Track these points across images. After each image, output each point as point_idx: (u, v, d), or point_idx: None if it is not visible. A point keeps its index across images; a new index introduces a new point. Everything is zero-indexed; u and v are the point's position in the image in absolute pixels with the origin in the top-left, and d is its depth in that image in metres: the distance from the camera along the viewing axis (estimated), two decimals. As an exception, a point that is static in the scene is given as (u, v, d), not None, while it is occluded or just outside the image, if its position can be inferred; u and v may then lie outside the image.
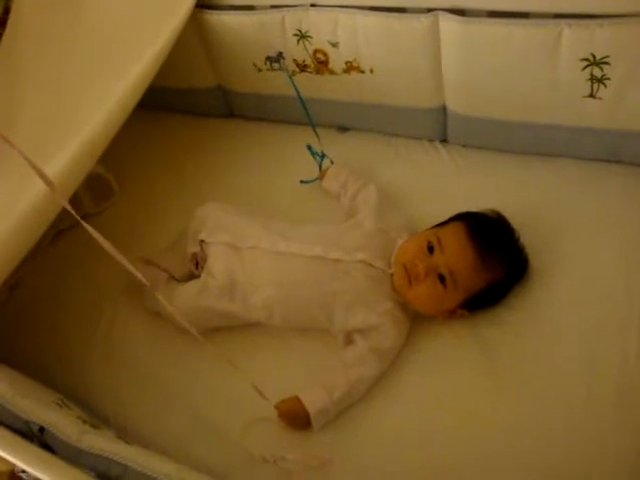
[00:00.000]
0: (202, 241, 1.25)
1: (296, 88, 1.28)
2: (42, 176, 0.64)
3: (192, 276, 1.27)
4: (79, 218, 0.70)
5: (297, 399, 1.06)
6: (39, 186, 1.01)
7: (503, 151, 1.37)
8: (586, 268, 1.16)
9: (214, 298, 1.17)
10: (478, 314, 1.13)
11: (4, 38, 1.37)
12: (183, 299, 1.20)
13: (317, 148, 1.39)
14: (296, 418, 1.06)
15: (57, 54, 1.31)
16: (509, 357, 1.09)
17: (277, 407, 1.04)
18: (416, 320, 1.15)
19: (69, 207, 0.69)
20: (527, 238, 1.16)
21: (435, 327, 1.15)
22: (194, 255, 1.27)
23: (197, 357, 1.20)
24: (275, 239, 1.18)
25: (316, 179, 1.40)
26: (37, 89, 1.26)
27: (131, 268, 0.74)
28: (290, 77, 1.28)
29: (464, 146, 1.42)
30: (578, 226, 1.21)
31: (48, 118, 1.19)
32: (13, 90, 1.26)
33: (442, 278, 1.06)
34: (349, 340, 1.13)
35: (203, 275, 1.21)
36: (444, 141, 1.44)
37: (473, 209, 1.17)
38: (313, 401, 1.05)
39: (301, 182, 1.42)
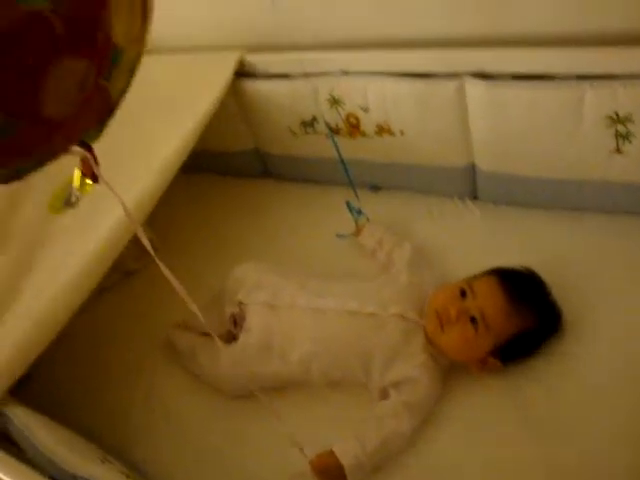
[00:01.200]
0: (240, 301, 1.28)
1: (337, 147, 1.33)
2: (125, 209, 0.71)
3: (230, 334, 1.30)
4: (154, 254, 0.76)
5: (331, 452, 1.06)
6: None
7: (533, 207, 1.39)
8: (619, 322, 1.15)
9: (253, 358, 1.20)
10: (512, 367, 1.13)
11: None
12: (223, 362, 1.22)
13: (355, 203, 1.43)
14: (330, 471, 1.06)
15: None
16: (544, 411, 1.09)
17: (311, 462, 1.04)
18: (450, 374, 1.16)
19: (142, 234, 0.75)
20: (560, 292, 1.16)
21: (470, 381, 1.15)
22: (232, 315, 1.31)
23: (235, 414, 1.22)
24: (311, 296, 1.22)
25: (352, 234, 1.44)
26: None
27: (194, 307, 0.78)
28: (332, 137, 1.33)
29: (494, 203, 1.45)
30: (609, 279, 1.22)
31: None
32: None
33: (474, 321, 1.08)
34: (384, 394, 1.14)
35: (242, 336, 1.25)
36: (475, 198, 1.48)
37: (504, 265, 1.19)
38: (346, 452, 1.05)
39: (337, 236, 1.46)
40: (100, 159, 1.30)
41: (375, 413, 1.11)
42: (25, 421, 0.99)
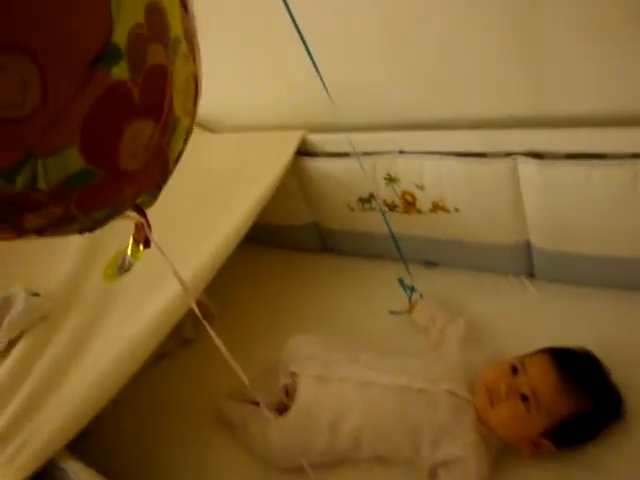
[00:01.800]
0: (293, 372, 1.30)
1: (389, 226, 1.36)
2: (179, 279, 0.76)
3: (282, 405, 1.31)
4: (208, 326, 0.81)
5: None
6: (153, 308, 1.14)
7: (592, 285, 1.37)
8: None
9: (303, 430, 1.20)
10: (568, 453, 1.09)
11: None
12: (274, 433, 1.23)
13: (408, 282, 1.46)
14: None
15: (174, 191, 1.48)
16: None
17: None
18: (502, 459, 1.12)
19: (196, 308, 0.80)
20: (620, 376, 1.12)
21: (523, 466, 1.11)
22: (285, 386, 1.32)
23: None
24: (362, 370, 1.22)
25: (405, 311, 1.45)
26: (154, 223, 1.42)
27: (244, 378, 0.81)
28: (385, 218, 1.36)
29: (552, 280, 1.43)
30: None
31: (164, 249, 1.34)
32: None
33: (525, 399, 1.05)
34: (433, 473, 1.12)
35: (292, 407, 1.26)
36: (531, 275, 1.47)
37: (560, 345, 1.16)
38: None
39: (390, 312, 1.47)
40: (166, 229, 1.39)
41: None
42: (81, 476, 1.02)
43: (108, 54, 0.49)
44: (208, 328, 0.80)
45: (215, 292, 1.55)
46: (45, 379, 1.14)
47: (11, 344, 1.22)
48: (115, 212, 0.66)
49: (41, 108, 0.47)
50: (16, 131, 0.47)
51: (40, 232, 0.60)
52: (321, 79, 1.08)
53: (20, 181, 0.50)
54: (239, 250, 1.36)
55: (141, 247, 0.75)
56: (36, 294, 1.30)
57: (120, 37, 0.50)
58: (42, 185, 0.52)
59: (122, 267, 0.80)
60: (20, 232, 0.59)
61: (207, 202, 1.44)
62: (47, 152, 0.50)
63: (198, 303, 1.54)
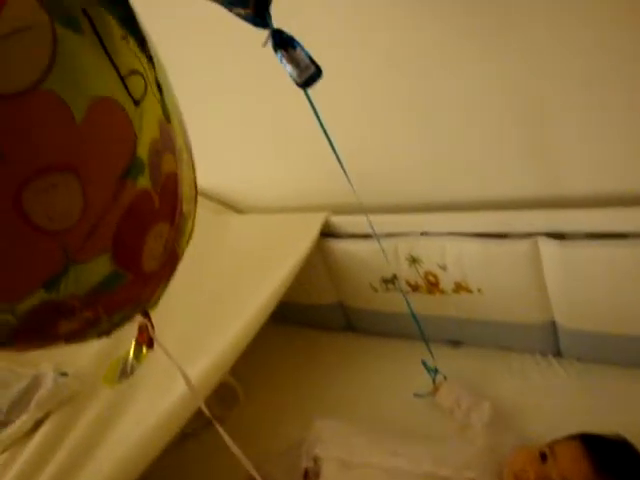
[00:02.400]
0: (316, 456, 1.29)
1: (411, 309, 1.37)
2: (185, 378, 0.78)
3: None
4: (213, 419, 0.83)
5: None
6: (179, 390, 1.15)
7: (620, 364, 1.34)
8: None
9: None
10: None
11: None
12: None
13: (431, 363, 1.45)
14: None
15: (202, 272, 1.52)
16: None
17: None
18: None
19: (204, 408, 0.82)
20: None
21: None
22: (306, 469, 1.30)
23: None
24: (385, 455, 1.21)
25: (429, 393, 1.44)
26: (182, 303, 1.45)
27: (254, 472, 0.81)
28: (406, 299, 1.37)
29: (579, 359, 1.41)
30: None
31: (190, 331, 1.36)
32: (161, 305, 1.45)
33: None
34: None
35: None
36: (558, 355, 1.45)
37: (591, 429, 1.13)
38: None
39: (415, 395, 1.45)
40: (193, 308, 1.42)
41: None
42: None
43: (134, 167, 0.55)
44: (214, 421, 0.81)
45: (241, 371, 1.56)
46: (69, 460, 1.14)
47: (38, 424, 1.23)
48: (132, 313, 0.70)
49: (82, 219, 0.52)
50: (60, 242, 0.51)
51: (69, 338, 0.63)
52: (343, 169, 1.12)
53: (59, 290, 0.54)
54: (265, 329, 1.38)
55: (144, 349, 0.78)
56: (64, 374, 1.32)
57: (143, 151, 0.56)
58: (79, 291, 0.56)
59: (125, 372, 0.81)
60: (52, 340, 0.62)
61: (233, 282, 1.47)
62: (85, 259, 0.54)
63: (224, 383, 1.56)
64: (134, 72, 0.55)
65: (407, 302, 1.36)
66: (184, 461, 1.54)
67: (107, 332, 0.69)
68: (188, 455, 1.56)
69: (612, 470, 1.03)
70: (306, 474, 1.30)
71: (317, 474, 1.28)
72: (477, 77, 1.16)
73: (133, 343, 0.79)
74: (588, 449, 1.05)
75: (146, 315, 0.75)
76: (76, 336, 0.64)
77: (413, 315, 1.36)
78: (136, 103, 0.55)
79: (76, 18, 0.49)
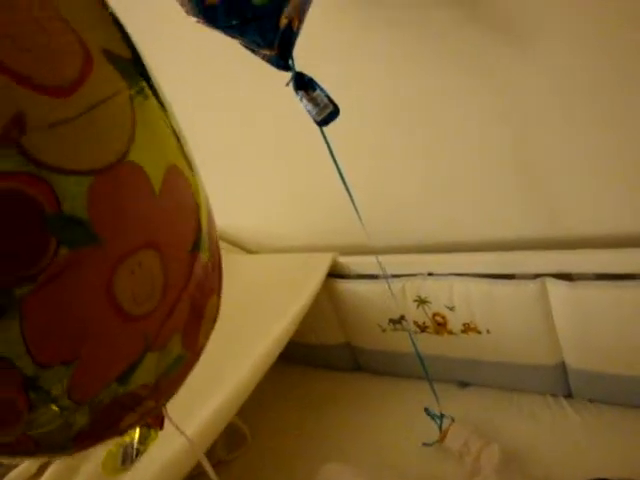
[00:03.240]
0: None
1: (418, 351, 1.36)
2: (184, 435, 0.73)
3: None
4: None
5: None
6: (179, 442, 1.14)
7: (632, 406, 1.33)
8: None
9: None
10: None
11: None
12: None
13: (436, 407, 1.43)
14: None
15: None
16: None
17: None
18: None
19: (206, 462, 0.76)
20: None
21: None
22: None
23: None
24: None
25: (438, 441, 1.42)
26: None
27: None
28: (413, 341, 1.36)
29: (590, 401, 1.40)
30: None
31: (196, 373, 1.36)
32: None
33: None
34: None
35: None
36: (569, 396, 1.44)
37: (603, 471, 1.12)
38: None
39: (423, 445, 1.43)
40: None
41: None
42: None
43: (200, 238, 0.53)
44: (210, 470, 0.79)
45: (248, 412, 1.55)
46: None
47: (41, 469, 1.22)
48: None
49: (163, 299, 0.48)
50: (143, 328, 0.47)
51: (123, 432, 0.59)
52: (356, 210, 1.13)
53: (134, 380, 0.49)
54: (273, 369, 1.38)
55: (153, 431, 0.73)
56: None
57: (204, 220, 0.54)
58: (150, 379, 0.51)
59: (128, 457, 0.76)
60: (111, 437, 0.57)
61: (241, 323, 1.46)
62: (162, 344, 0.50)
63: (231, 425, 1.55)
64: (181, 136, 0.52)
65: (414, 343, 1.35)
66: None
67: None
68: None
69: None
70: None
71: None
72: (488, 123, 1.18)
73: (138, 428, 0.73)
74: None
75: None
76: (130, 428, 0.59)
77: (419, 356, 1.36)
78: (192, 169, 0.52)
79: (142, 83, 0.46)
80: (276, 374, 1.52)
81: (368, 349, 1.70)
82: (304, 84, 0.90)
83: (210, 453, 1.57)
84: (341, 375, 1.80)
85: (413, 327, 1.50)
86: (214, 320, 0.63)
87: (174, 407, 1.11)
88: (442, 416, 1.42)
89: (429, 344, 1.49)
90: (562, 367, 1.38)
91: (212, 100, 1.50)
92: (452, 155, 1.30)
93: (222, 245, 1.89)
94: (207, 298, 0.57)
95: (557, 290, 1.24)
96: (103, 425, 0.51)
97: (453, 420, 1.42)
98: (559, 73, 1.04)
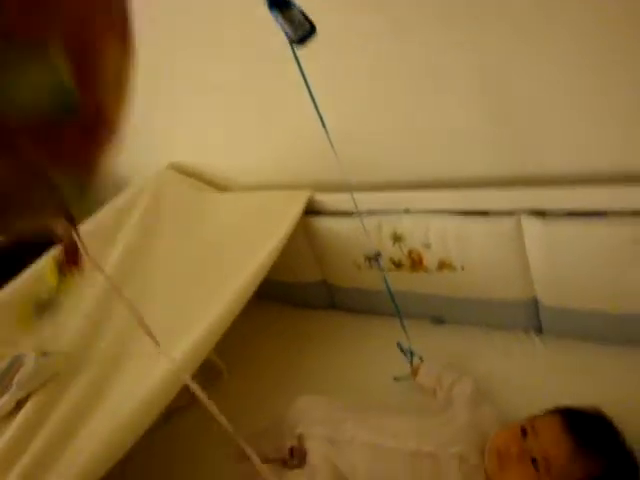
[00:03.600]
0: (300, 434, 1.30)
1: (389, 288, 1.36)
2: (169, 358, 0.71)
3: (284, 462, 1.31)
4: (199, 392, 0.79)
5: None
6: (163, 367, 1.14)
7: (601, 341, 1.36)
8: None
9: None
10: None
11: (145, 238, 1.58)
12: None
13: (407, 344, 1.44)
14: None
15: (186, 250, 1.51)
16: None
17: None
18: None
19: (190, 382, 0.78)
20: (632, 435, 1.10)
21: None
22: (291, 447, 1.31)
23: None
24: (370, 432, 1.21)
25: (409, 376, 1.44)
26: (166, 282, 1.44)
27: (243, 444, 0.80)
28: (386, 277, 1.37)
29: (559, 336, 1.42)
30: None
31: (172, 308, 1.36)
32: (145, 283, 1.44)
33: (535, 462, 1.03)
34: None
35: (306, 469, 1.24)
36: (539, 331, 1.46)
37: (570, 403, 1.15)
38: None
39: (395, 379, 1.46)
40: (174, 288, 1.41)
41: None
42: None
43: None
44: (199, 392, 0.78)
45: (224, 349, 1.56)
46: (51, 441, 1.13)
47: (19, 405, 1.22)
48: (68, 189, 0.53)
49: None
50: None
51: None
52: (327, 135, 1.10)
53: None
54: (249, 306, 1.37)
55: (68, 273, 0.64)
56: (45, 354, 1.31)
57: None
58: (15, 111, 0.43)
59: (42, 307, 0.71)
60: None
61: (216, 260, 1.46)
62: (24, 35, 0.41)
63: (207, 361, 1.56)
64: None
65: (386, 280, 1.36)
66: (170, 439, 1.54)
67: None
68: (174, 433, 1.56)
69: (591, 445, 1.04)
70: (291, 452, 1.31)
71: (302, 452, 1.29)
72: (460, 61, 1.17)
73: (51, 266, 0.66)
74: (567, 424, 1.07)
75: (71, 222, 0.58)
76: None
77: (390, 294, 1.36)
78: None
79: None
80: (252, 312, 1.51)
81: (344, 286, 1.70)
82: (279, 2, 0.87)
83: (186, 390, 1.58)
84: (317, 313, 1.81)
85: (389, 264, 1.50)
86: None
87: (149, 344, 1.11)
88: (412, 353, 1.44)
89: (404, 281, 1.49)
90: (534, 303, 1.40)
91: (182, 35, 1.44)
92: (426, 92, 1.27)
93: (194, 184, 1.88)
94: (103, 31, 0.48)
95: (531, 227, 1.24)
96: None
97: (422, 360, 1.44)
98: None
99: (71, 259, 0.63)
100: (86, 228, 1.59)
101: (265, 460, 1.33)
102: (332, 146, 1.12)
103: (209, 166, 1.83)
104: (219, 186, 1.86)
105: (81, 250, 0.62)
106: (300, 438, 1.29)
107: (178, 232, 1.60)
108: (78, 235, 0.60)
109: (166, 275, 1.45)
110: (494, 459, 1.09)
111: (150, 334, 0.68)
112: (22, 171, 0.47)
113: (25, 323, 0.74)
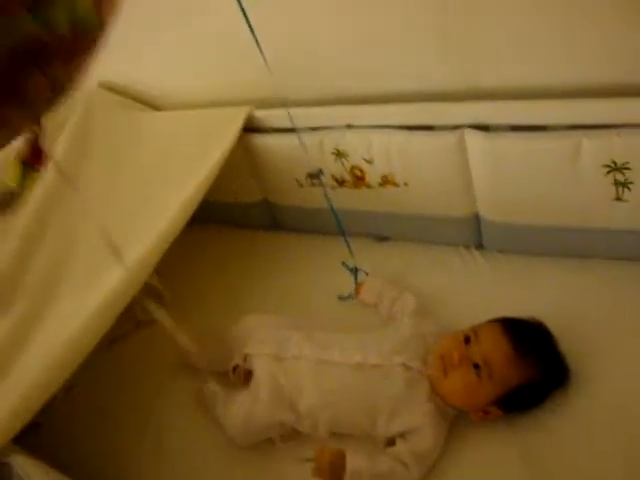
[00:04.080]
0: (246, 354, 1.30)
1: (332, 207, 1.35)
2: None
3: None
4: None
5: (342, 454, 1.07)
6: (106, 286, 1.11)
7: (539, 255, 1.39)
8: (629, 373, 1.14)
9: (263, 408, 1.20)
10: (518, 419, 1.12)
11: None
12: (236, 418, 1.23)
13: (352, 262, 1.44)
14: (333, 467, 1.06)
15: (120, 171, 1.44)
16: (551, 464, 1.06)
17: (319, 450, 1.06)
18: (456, 426, 1.15)
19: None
20: (567, 342, 1.15)
21: (475, 432, 1.13)
22: (235, 366, 1.32)
23: (246, 469, 1.23)
24: (316, 348, 1.22)
25: (352, 294, 1.45)
26: (100, 203, 1.38)
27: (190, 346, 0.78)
28: (327, 194, 1.35)
29: (500, 251, 1.45)
30: (619, 329, 1.20)
31: (111, 230, 1.31)
32: (82, 204, 1.38)
33: (477, 367, 1.07)
34: (391, 443, 1.14)
35: (250, 387, 1.26)
36: (480, 247, 1.48)
37: (511, 314, 1.18)
38: (355, 461, 1.06)
39: (339, 299, 1.46)
40: (110, 210, 1.36)
41: (386, 452, 1.11)
42: (27, 470, 1.00)
43: None
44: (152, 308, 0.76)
45: (165, 274, 1.53)
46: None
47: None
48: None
49: None
50: None
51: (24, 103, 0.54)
52: (259, 48, 1.05)
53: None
54: (188, 230, 1.34)
55: (32, 171, 0.64)
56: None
57: None
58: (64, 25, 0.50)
59: (3, 202, 0.69)
60: (15, 99, 0.53)
61: (153, 181, 1.40)
62: None
63: (149, 286, 1.53)
64: None
65: (327, 197, 1.34)
66: (114, 364, 1.52)
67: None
68: (118, 358, 1.54)
69: (529, 348, 1.09)
70: (234, 370, 1.32)
71: (247, 371, 1.30)
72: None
73: (14, 163, 0.65)
74: (507, 332, 1.11)
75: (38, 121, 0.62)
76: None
77: (333, 211, 1.35)
78: None
79: None
80: (192, 236, 1.48)
81: (286, 205, 1.67)
82: None
83: (130, 316, 1.56)
84: (258, 233, 1.78)
85: (331, 181, 1.47)
86: None
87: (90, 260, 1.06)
88: (357, 270, 1.44)
89: (347, 199, 1.48)
90: (476, 219, 1.41)
91: None
92: (368, 2, 1.22)
93: (126, 103, 1.78)
94: None
95: (474, 141, 1.23)
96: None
97: (367, 274, 1.45)
98: None
99: (36, 156, 0.61)
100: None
101: (210, 374, 1.35)
102: (263, 55, 1.06)
103: (141, 83, 1.73)
104: (152, 105, 1.77)
105: (44, 148, 0.61)
106: (246, 357, 1.29)
107: (111, 153, 1.52)
108: (44, 134, 0.59)
109: (100, 196, 1.39)
110: (437, 365, 1.12)
111: (112, 246, 0.65)
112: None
113: None
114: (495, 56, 1.20)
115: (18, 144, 0.82)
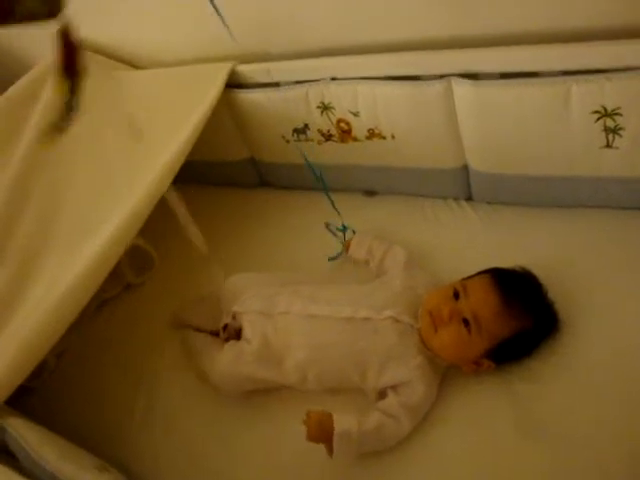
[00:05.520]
0: (235, 312, 1.29)
1: (310, 165, 1.32)
2: None
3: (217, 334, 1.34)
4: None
5: (330, 415, 1.06)
6: (91, 248, 1.09)
7: (528, 205, 1.39)
8: (618, 319, 1.14)
9: (251, 364, 1.20)
10: (509, 369, 1.13)
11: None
12: (222, 364, 1.23)
13: (339, 219, 1.43)
14: (321, 429, 1.05)
15: (102, 131, 1.41)
16: (541, 412, 1.07)
17: (309, 412, 1.06)
18: (447, 377, 1.15)
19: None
20: (557, 291, 1.15)
21: (466, 383, 1.14)
22: (226, 325, 1.31)
23: (237, 425, 1.23)
24: (305, 303, 1.22)
25: (342, 253, 1.44)
26: (85, 164, 1.35)
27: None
28: (305, 156, 1.33)
29: (489, 203, 1.44)
30: (608, 277, 1.21)
31: (94, 192, 1.29)
32: (67, 165, 1.35)
33: (467, 323, 1.07)
34: (381, 396, 1.14)
35: (240, 342, 1.25)
36: (469, 199, 1.48)
37: (500, 265, 1.18)
38: (343, 421, 1.05)
39: (329, 259, 1.45)
40: (94, 169, 1.33)
41: (376, 407, 1.11)
42: (21, 432, 1.00)
43: None
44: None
45: (152, 235, 1.51)
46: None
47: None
48: None
49: None
50: None
51: None
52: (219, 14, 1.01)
53: None
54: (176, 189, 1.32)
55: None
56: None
57: None
58: None
59: (70, 111, 0.68)
60: None
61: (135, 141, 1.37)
62: None
63: (136, 248, 1.52)
64: None
65: (305, 158, 1.32)
66: (105, 327, 1.52)
67: None
68: (108, 321, 1.54)
69: (518, 299, 1.09)
70: (225, 328, 1.32)
71: (237, 329, 1.29)
72: None
73: (60, 80, 0.64)
74: (496, 283, 1.10)
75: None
76: None
77: (312, 169, 1.33)
78: None
79: None
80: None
81: (272, 163, 1.65)
82: None
83: (118, 278, 1.55)
84: (246, 192, 1.76)
85: (317, 136, 1.45)
86: None
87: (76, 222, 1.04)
88: (345, 228, 1.43)
89: (335, 153, 1.46)
90: (465, 170, 1.40)
91: None
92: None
93: (104, 62, 1.73)
94: None
95: (462, 90, 1.20)
96: None
97: (354, 232, 1.44)
98: None
99: (70, 56, 0.59)
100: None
101: (200, 330, 1.35)
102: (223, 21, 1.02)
103: (120, 42, 1.68)
104: (132, 64, 1.72)
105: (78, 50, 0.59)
106: (235, 315, 1.29)
107: (92, 112, 1.48)
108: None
109: (84, 155, 1.36)
110: (427, 320, 1.12)
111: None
112: None
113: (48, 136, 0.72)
114: (483, 0, 1.16)
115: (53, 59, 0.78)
